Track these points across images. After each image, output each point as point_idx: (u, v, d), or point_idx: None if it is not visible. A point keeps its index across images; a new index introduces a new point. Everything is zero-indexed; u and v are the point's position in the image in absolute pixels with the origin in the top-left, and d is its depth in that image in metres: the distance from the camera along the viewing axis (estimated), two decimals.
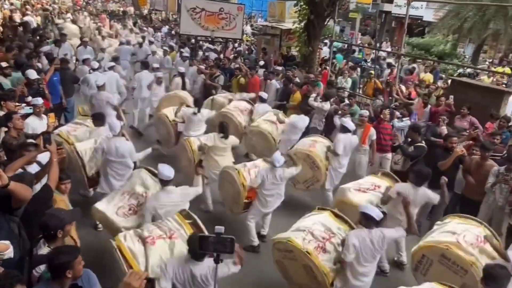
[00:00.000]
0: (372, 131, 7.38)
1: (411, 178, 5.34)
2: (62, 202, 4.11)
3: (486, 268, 3.66)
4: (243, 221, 5.95)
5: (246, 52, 16.24)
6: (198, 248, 3.07)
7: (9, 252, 2.97)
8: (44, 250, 3.17)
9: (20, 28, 15.21)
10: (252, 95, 9.56)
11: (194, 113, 7.63)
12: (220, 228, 2.98)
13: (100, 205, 4.92)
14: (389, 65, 14.86)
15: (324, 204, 6.77)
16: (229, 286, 3.98)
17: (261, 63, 13.13)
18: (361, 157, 7.46)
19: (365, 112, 7.76)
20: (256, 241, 5.91)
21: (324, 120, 8.87)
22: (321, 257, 4.37)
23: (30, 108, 6.05)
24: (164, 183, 4.75)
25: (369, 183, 5.84)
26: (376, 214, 4.32)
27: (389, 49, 19.82)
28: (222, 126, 6.66)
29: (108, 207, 4.88)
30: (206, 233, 4.12)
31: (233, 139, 6.77)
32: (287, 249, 4.59)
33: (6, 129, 4.98)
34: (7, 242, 3.01)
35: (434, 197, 5.33)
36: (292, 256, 4.56)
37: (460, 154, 6.10)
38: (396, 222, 5.13)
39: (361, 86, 13.14)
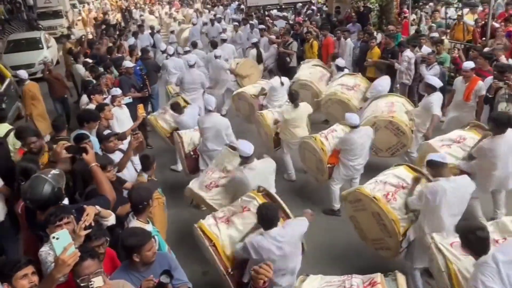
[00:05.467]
0: (481, 85, 6.21)
1: (491, 127, 4.78)
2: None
3: None
4: (326, 188, 5.86)
5: (318, 14, 15.53)
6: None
7: (112, 219, 3.24)
8: (133, 222, 3.42)
9: (103, 26, 16.34)
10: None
11: (282, 83, 7.67)
12: None
13: (191, 184, 5.14)
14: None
15: None
16: (312, 243, 4.04)
17: None
18: (464, 116, 6.44)
19: (469, 64, 6.52)
20: (337, 206, 5.80)
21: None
22: (390, 204, 4.19)
23: (129, 99, 6.54)
24: (244, 160, 4.67)
25: (455, 136, 5.35)
26: (442, 157, 3.99)
27: None
28: (291, 95, 6.50)
29: (195, 184, 5.09)
30: (280, 200, 4.13)
31: (306, 107, 6.55)
32: (356, 198, 4.49)
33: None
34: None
35: None
36: (362, 206, 4.44)
37: None
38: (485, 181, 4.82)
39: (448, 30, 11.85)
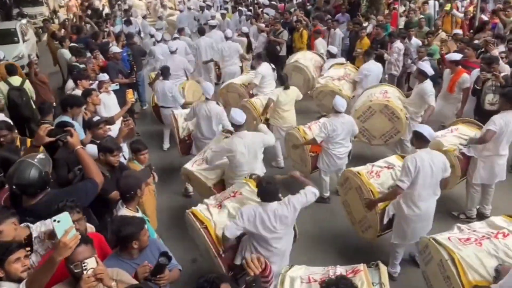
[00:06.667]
0: (464, 78, 6.18)
1: (501, 103, 4.90)
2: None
3: None
4: (315, 178, 5.86)
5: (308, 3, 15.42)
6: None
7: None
8: (123, 211, 3.35)
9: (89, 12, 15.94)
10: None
11: (274, 69, 7.61)
12: None
13: (186, 165, 5.24)
14: None
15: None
16: (302, 231, 4.18)
17: None
18: (449, 107, 6.44)
19: (452, 56, 6.48)
20: (326, 194, 5.86)
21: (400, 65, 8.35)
22: (372, 180, 4.41)
23: (116, 85, 6.41)
24: (236, 128, 4.87)
25: (446, 130, 5.46)
26: (428, 132, 4.04)
27: None
28: (281, 78, 6.55)
29: (189, 164, 5.23)
30: None
31: (295, 91, 6.55)
32: (345, 177, 4.79)
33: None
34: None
35: None
36: (349, 185, 4.69)
37: None
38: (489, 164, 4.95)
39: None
